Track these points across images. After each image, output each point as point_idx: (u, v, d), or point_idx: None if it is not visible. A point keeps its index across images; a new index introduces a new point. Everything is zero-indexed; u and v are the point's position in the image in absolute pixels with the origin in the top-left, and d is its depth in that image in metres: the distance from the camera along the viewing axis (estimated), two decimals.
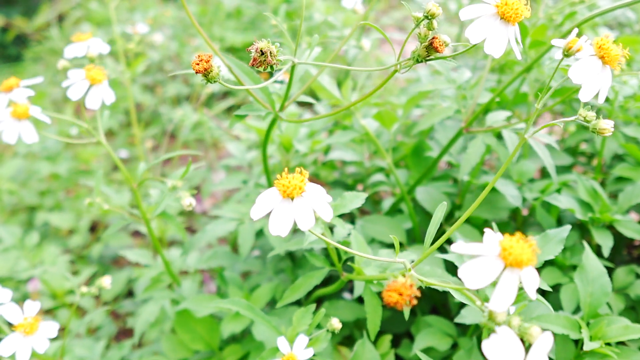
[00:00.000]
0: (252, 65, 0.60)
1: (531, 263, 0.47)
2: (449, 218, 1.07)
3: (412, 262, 0.78)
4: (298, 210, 0.56)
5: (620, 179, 1.07)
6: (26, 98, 0.83)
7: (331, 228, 0.80)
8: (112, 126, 2.20)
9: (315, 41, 0.71)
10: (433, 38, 0.61)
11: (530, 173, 1.07)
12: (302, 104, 1.66)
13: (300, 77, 1.37)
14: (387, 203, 1.12)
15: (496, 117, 0.90)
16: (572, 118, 0.59)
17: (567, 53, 0.58)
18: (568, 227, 0.75)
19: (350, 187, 1.30)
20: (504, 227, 1.05)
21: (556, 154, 1.14)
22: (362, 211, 1.26)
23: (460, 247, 0.48)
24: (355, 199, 0.73)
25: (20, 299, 1.42)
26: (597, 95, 0.58)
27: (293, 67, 0.74)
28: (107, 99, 0.84)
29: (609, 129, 0.58)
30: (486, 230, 0.51)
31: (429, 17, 0.59)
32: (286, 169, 0.58)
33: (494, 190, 1.04)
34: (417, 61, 0.62)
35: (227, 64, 0.75)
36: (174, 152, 0.95)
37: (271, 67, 0.60)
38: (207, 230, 0.93)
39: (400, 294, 0.50)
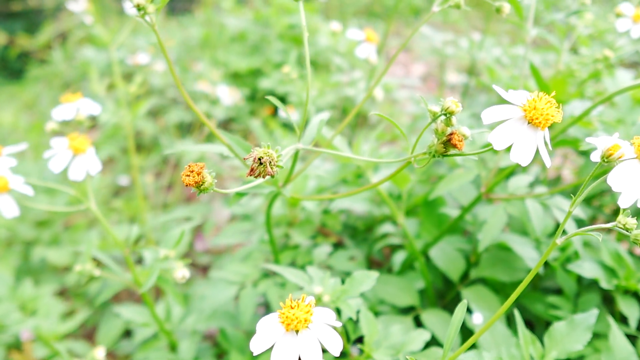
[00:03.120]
0: (250, 175, 0.54)
1: None
2: (464, 278, 1.01)
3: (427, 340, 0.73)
4: (304, 345, 0.50)
5: None
6: (8, 169, 0.77)
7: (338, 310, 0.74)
8: (113, 153, 2.16)
9: (322, 124, 0.66)
10: (452, 134, 0.55)
11: (549, 228, 1.02)
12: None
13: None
14: (398, 257, 1.07)
15: (518, 183, 0.85)
16: (610, 225, 0.54)
17: (607, 160, 0.52)
18: (595, 312, 0.70)
19: (360, 232, 1.25)
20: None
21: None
22: (373, 261, 1.21)
23: None
24: (366, 280, 0.67)
25: (13, 345, 1.37)
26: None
27: (297, 153, 0.69)
28: (93, 169, 0.79)
29: None
30: None
31: (447, 114, 0.54)
32: (290, 296, 0.52)
33: (509, 249, 0.99)
34: (434, 156, 0.57)
35: (227, 143, 0.70)
36: (170, 215, 0.89)
37: (272, 175, 0.53)
38: (207, 297, 0.88)
39: None
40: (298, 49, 2.43)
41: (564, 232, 0.57)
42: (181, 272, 0.80)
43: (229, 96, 1.77)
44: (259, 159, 0.52)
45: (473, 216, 1.05)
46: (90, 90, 1.24)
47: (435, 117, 0.55)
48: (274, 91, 2.31)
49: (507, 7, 0.66)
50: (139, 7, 0.58)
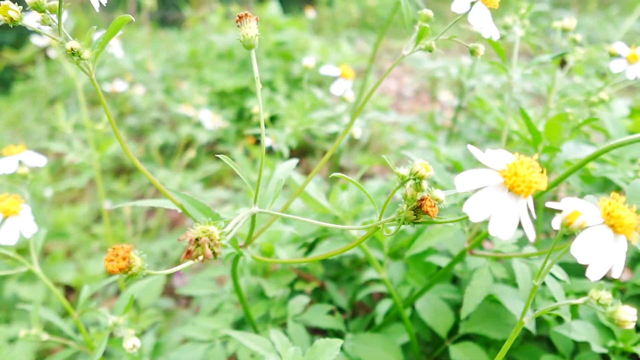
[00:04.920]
0: (186, 259, 0.45)
1: None
2: (452, 333, 0.95)
3: None
4: None
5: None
6: None
7: None
8: (94, 176, 2.09)
9: (280, 185, 0.58)
10: (422, 199, 0.49)
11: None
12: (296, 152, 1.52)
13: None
14: (382, 307, 1.00)
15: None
16: (581, 300, 0.48)
17: (567, 230, 0.45)
18: None
19: (347, 271, 1.19)
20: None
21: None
22: (358, 306, 1.15)
23: None
24: (328, 350, 0.61)
25: None
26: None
27: (254, 217, 0.62)
28: (27, 231, 0.72)
29: (629, 321, 0.46)
30: None
31: (416, 179, 0.48)
32: None
33: (501, 303, 0.92)
34: (404, 223, 0.51)
35: (179, 203, 0.63)
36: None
37: (214, 254, 0.45)
38: None
39: None
40: (285, 67, 2.37)
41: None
42: (131, 342, 0.73)
43: (211, 121, 1.71)
44: (196, 240, 0.45)
45: (462, 264, 0.99)
46: (57, 125, 1.17)
47: (403, 182, 0.49)
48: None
49: (481, 49, 0.60)
50: (72, 52, 0.51)
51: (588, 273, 0.45)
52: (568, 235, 0.47)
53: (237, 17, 0.55)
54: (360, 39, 3.67)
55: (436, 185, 1.14)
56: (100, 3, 0.54)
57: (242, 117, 2.34)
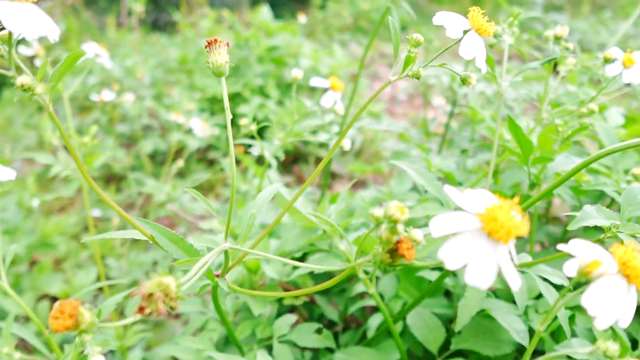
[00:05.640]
0: (140, 314, 0.40)
1: None
2: (444, 349, 0.93)
3: None
4: None
5: None
6: None
7: None
8: (83, 185, 2.06)
9: (253, 219, 0.56)
10: (399, 242, 0.47)
11: (535, 290, 0.94)
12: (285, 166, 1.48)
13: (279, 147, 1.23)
14: (373, 322, 0.98)
15: None
16: (587, 350, 0.45)
17: (586, 279, 0.43)
18: None
19: (339, 283, 1.17)
20: (504, 359, 0.92)
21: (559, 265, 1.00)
22: (350, 319, 1.13)
23: None
24: None
25: None
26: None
27: (227, 253, 0.60)
28: None
29: None
30: None
31: (391, 223, 0.46)
32: None
33: (494, 319, 0.90)
34: (379, 266, 0.49)
35: (149, 234, 0.61)
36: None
37: (171, 309, 0.40)
38: None
39: None
40: (278, 72, 2.35)
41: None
42: (95, 359, 0.70)
43: (201, 130, 1.68)
44: (149, 295, 0.39)
45: (454, 278, 0.97)
46: (44, 139, 1.15)
47: (377, 224, 0.47)
48: (253, 117, 2.22)
49: (474, 78, 0.58)
50: (23, 88, 0.49)
51: (596, 323, 0.43)
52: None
53: (206, 43, 0.52)
54: (353, 42, 3.66)
55: (427, 194, 1.12)
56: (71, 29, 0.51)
57: (234, 123, 2.32)
